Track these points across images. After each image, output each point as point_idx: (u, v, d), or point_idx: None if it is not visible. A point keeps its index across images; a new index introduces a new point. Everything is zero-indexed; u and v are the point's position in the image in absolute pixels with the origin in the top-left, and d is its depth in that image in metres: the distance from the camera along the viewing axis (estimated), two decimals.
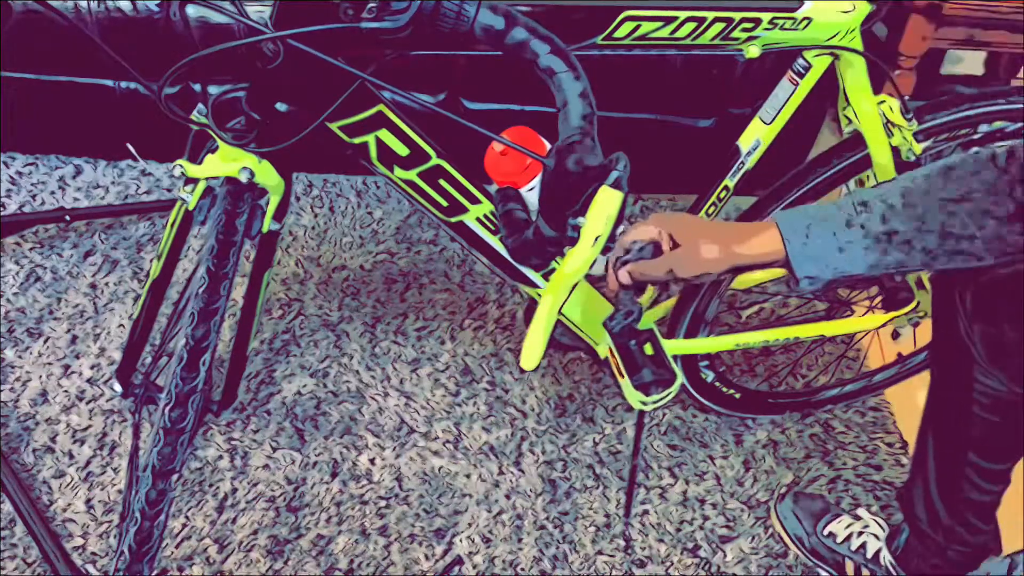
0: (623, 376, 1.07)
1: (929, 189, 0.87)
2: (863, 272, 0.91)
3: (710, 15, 1.06)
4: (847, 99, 1.25)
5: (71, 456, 1.47)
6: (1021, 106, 1.26)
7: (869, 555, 1.37)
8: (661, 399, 1.07)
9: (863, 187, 0.90)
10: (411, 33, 0.79)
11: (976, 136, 1.29)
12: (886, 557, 1.35)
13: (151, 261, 1.75)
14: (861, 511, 1.43)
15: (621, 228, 0.88)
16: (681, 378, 1.08)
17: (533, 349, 0.84)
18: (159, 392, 1.35)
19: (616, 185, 0.76)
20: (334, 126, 1.02)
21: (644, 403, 1.07)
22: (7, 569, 1.33)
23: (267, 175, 1.05)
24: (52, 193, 1.88)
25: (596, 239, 0.77)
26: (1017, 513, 1.33)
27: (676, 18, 1.04)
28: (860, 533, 1.39)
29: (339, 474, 1.49)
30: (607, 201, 0.76)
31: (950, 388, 1.16)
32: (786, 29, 1.12)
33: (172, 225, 1.19)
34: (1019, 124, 1.28)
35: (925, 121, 1.26)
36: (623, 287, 1.02)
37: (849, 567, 1.39)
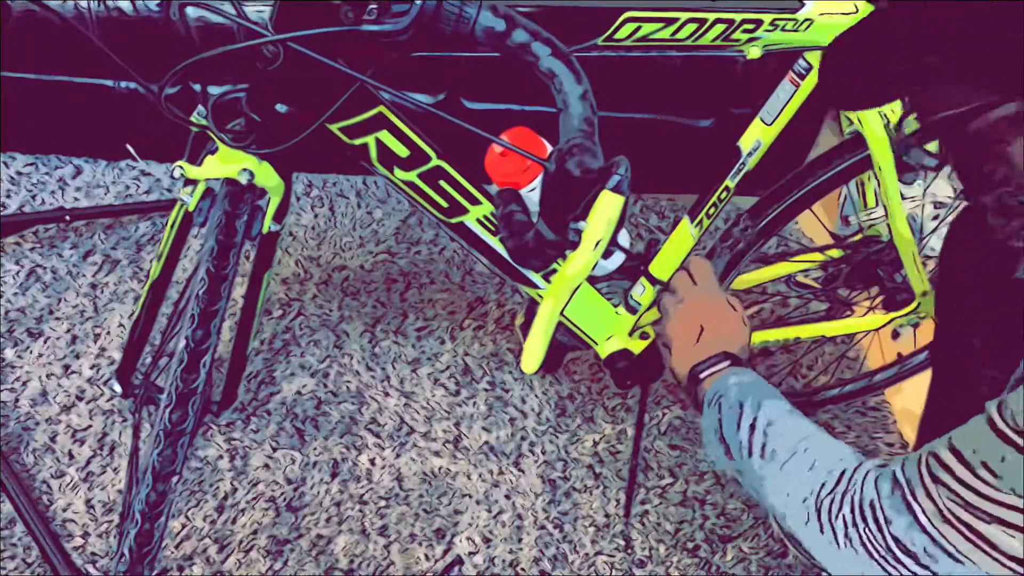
0: None
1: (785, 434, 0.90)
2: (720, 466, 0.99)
3: (711, 16, 1.05)
4: None
5: (71, 456, 1.47)
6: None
7: None
8: None
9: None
10: (412, 35, 0.78)
11: None
12: None
13: (151, 261, 1.75)
14: None
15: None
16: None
17: (534, 352, 0.84)
18: (159, 393, 1.34)
19: (617, 189, 0.75)
20: (334, 127, 1.02)
21: None
22: (7, 569, 1.33)
23: (267, 176, 1.05)
24: (52, 193, 1.88)
25: (597, 243, 0.77)
26: None
27: (677, 19, 1.04)
28: None
29: (339, 474, 1.49)
30: (608, 205, 0.76)
31: (953, 382, 1.16)
32: (787, 30, 1.12)
33: (172, 226, 1.19)
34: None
35: None
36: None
37: None
